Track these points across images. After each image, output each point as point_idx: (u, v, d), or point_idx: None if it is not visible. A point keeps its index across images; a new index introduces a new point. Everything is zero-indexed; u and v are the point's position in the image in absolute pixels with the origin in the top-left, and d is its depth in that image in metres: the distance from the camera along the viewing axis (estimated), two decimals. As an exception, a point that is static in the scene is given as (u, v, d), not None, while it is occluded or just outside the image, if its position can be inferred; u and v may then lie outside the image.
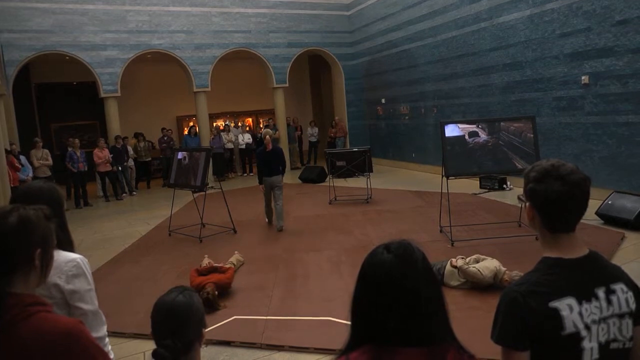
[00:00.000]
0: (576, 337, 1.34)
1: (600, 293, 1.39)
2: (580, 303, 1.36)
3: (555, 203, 1.38)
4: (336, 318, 4.70)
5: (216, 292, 5.19)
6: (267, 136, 8.70)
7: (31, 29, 12.74)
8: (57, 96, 16.92)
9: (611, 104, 8.44)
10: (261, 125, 17.96)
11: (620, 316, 1.39)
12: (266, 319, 4.82)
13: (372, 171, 10.49)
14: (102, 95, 13.89)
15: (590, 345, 1.35)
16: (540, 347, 1.34)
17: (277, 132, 16.15)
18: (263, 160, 8.51)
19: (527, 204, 1.47)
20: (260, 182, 8.62)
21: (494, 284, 5.06)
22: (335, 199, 10.52)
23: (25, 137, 12.93)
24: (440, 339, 1.20)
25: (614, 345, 1.38)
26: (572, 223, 1.43)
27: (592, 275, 1.41)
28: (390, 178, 13.24)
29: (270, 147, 8.51)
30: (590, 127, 8.89)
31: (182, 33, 14.70)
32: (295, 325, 4.67)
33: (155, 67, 17.01)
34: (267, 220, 9.02)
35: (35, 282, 1.41)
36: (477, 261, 5.41)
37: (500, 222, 7.77)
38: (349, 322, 1.28)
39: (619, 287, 1.41)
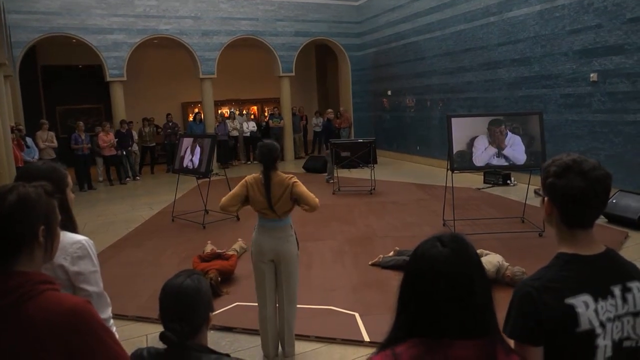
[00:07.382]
0: (591, 335, 1.33)
1: (616, 291, 1.38)
2: (596, 300, 1.35)
3: (576, 199, 1.36)
4: (338, 307, 4.74)
5: (219, 279, 5.22)
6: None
7: (39, 10, 12.69)
8: (63, 79, 16.89)
9: (619, 102, 8.39)
10: (266, 114, 17.91)
11: (635, 314, 1.38)
12: (268, 307, 4.82)
13: (376, 162, 10.48)
14: (108, 79, 13.88)
15: (604, 343, 1.35)
16: (554, 343, 1.34)
17: (282, 121, 16.13)
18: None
19: (545, 198, 1.45)
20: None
21: (496, 278, 5.07)
22: (339, 189, 10.52)
23: (31, 119, 12.94)
24: (491, 330, 1.21)
25: (627, 344, 1.38)
26: (591, 219, 1.42)
27: (609, 273, 1.40)
28: (394, 170, 13.22)
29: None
30: (597, 124, 8.84)
31: (190, 19, 14.64)
32: (297, 313, 4.66)
33: (161, 53, 16.96)
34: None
35: (41, 259, 1.40)
36: (480, 256, 5.41)
37: (504, 217, 7.77)
38: (394, 313, 1.26)
39: (635, 285, 1.40)
